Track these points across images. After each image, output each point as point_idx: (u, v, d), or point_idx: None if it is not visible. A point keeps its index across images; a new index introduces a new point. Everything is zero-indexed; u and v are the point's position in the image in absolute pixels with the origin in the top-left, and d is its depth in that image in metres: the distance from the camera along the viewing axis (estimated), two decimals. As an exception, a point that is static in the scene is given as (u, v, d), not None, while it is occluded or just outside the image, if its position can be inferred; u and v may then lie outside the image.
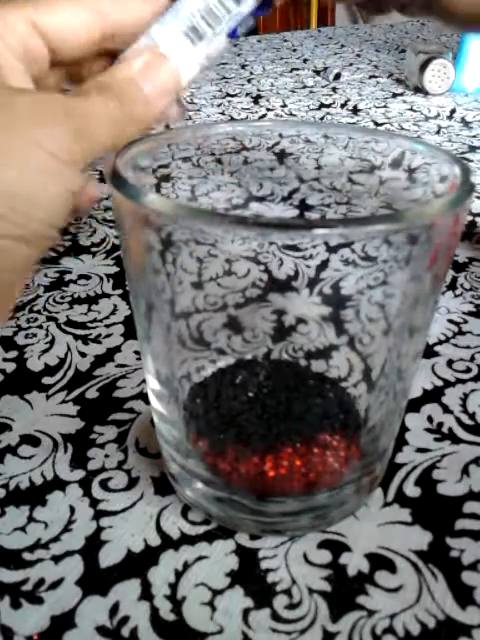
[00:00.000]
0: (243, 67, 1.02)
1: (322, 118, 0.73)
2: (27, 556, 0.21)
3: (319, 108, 0.77)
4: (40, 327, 0.34)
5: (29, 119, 0.17)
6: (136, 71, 0.19)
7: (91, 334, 0.33)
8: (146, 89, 0.19)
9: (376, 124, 0.70)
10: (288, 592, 0.20)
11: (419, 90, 0.83)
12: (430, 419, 0.27)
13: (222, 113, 0.75)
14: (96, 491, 0.24)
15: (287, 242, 0.17)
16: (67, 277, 0.39)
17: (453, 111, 0.75)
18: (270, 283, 0.21)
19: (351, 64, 1.02)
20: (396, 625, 0.19)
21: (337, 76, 0.91)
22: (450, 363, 0.30)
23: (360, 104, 0.78)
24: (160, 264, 0.19)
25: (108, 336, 0.33)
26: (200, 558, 0.21)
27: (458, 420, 0.27)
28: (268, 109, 0.77)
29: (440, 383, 0.29)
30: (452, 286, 0.37)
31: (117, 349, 0.32)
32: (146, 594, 0.20)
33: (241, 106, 0.78)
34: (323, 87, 0.88)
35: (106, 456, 0.25)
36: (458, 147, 0.62)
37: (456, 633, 0.19)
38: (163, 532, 0.22)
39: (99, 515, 0.23)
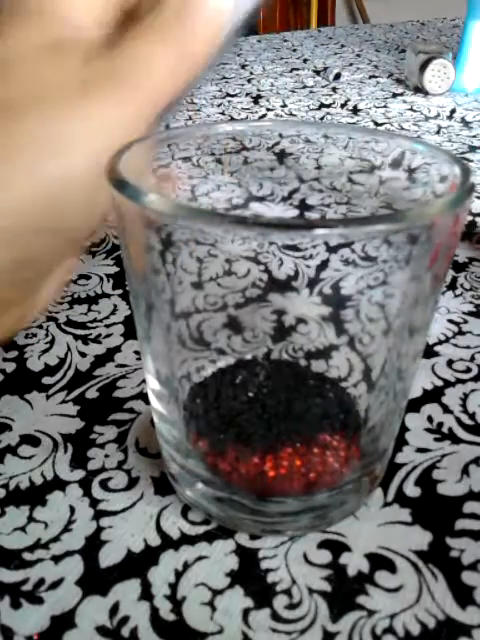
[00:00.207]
0: (243, 67, 1.02)
1: (322, 118, 0.73)
2: (27, 556, 0.21)
3: (319, 108, 0.77)
4: (40, 327, 0.34)
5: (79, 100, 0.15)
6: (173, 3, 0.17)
7: (91, 334, 0.33)
8: (189, 19, 0.17)
9: (376, 124, 0.70)
10: (288, 592, 0.20)
11: (419, 90, 0.83)
12: (430, 419, 0.27)
13: (222, 113, 0.75)
14: (96, 491, 0.24)
15: (287, 242, 0.17)
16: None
17: (453, 111, 0.75)
18: (270, 283, 0.21)
19: (351, 64, 1.02)
20: (396, 625, 0.19)
21: (337, 76, 0.91)
22: (450, 363, 0.31)
23: (360, 104, 0.78)
24: (160, 264, 0.19)
25: (108, 336, 0.33)
26: (200, 558, 0.21)
27: (458, 420, 0.27)
28: (268, 109, 0.77)
29: (440, 383, 0.29)
30: (452, 286, 0.37)
31: (117, 349, 0.32)
32: (146, 594, 0.20)
33: (241, 106, 0.78)
34: (323, 87, 0.88)
35: (106, 456, 0.25)
36: (458, 147, 0.62)
37: (456, 633, 0.19)
38: (163, 532, 0.22)
39: (99, 515, 0.23)
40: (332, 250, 0.18)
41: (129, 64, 0.16)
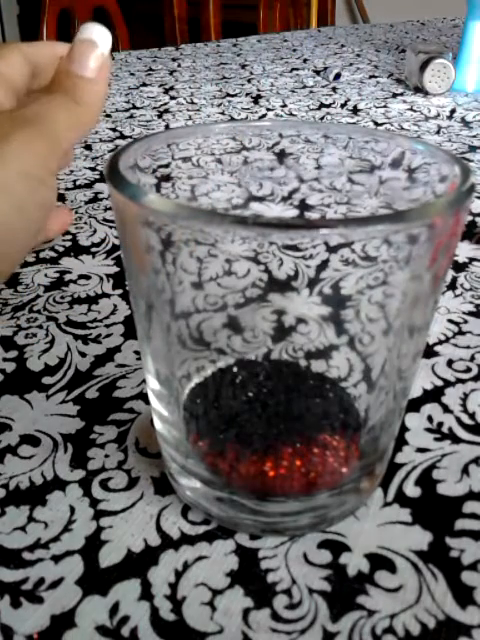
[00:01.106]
0: (243, 67, 1.02)
1: (322, 118, 0.73)
2: (27, 555, 0.21)
3: (319, 108, 0.77)
4: (40, 327, 0.34)
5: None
6: (68, 63, 0.21)
7: (91, 334, 0.33)
8: (83, 72, 0.21)
9: (376, 124, 0.70)
10: (288, 592, 0.20)
11: (419, 90, 0.83)
12: (430, 419, 0.27)
13: (222, 113, 0.75)
14: (96, 491, 0.24)
15: (287, 242, 0.17)
16: (67, 277, 0.39)
17: (453, 111, 0.75)
18: (270, 283, 0.21)
19: (351, 64, 1.02)
20: (396, 625, 0.19)
21: (337, 76, 0.91)
22: (450, 363, 0.31)
23: (360, 104, 0.78)
24: (160, 264, 0.19)
25: (108, 336, 0.33)
26: (200, 558, 0.21)
27: (458, 420, 0.27)
28: (268, 109, 0.77)
29: (440, 383, 0.29)
30: (452, 286, 0.37)
31: (117, 349, 0.32)
32: (146, 594, 0.20)
33: (241, 106, 0.78)
34: (323, 87, 0.88)
35: (106, 456, 0.25)
36: (458, 147, 0.62)
37: (456, 633, 0.19)
38: (163, 532, 0.22)
39: (99, 515, 0.23)
40: (332, 250, 0.18)
41: (35, 115, 0.19)
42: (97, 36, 0.21)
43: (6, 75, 0.22)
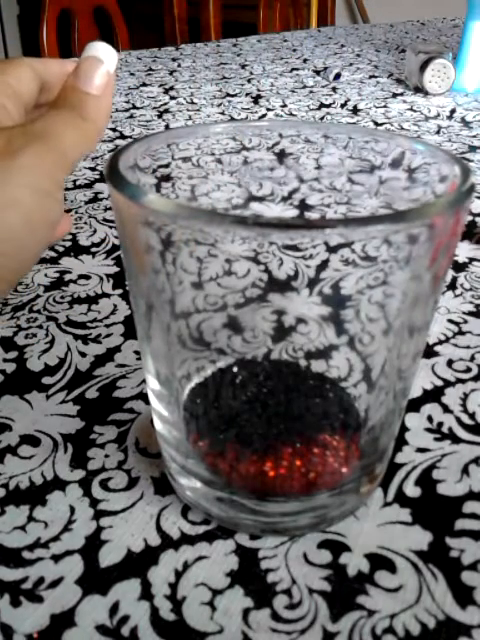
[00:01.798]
0: (243, 67, 1.02)
1: (322, 118, 0.73)
2: (27, 555, 0.21)
3: (319, 108, 0.77)
4: (40, 327, 0.34)
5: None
6: (74, 79, 0.22)
7: (91, 334, 0.33)
8: (89, 89, 0.21)
9: (376, 124, 0.70)
10: (288, 592, 0.20)
11: (419, 90, 0.83)
12: (430, 419, 0.27)
13: (222, 113, 0.75)
14: (96, 491, 0.24)
15: (287, 242, 0.17)
16: (67, 277, 0.39)
17: (453, 111, 0.75)
18: (270, 283, 0.21)
19: (351, 64, 1.02)
20: (396, 625, 0.19)
21: (337, 76, 0.91)
22: (450, 363, 0.31)
23: (360, 104, 0.78)
24: (160, 264, 0.19)
25: (108, 336, 0.33)
26: (200, 558, 0.21)
27: (458, 420, 0.27)
28: (268, 109, 0.77)
29: (440, 383, 0.29)
30: (452, 286, 0.37)
31: (117, 349, 0.32)
32: (146, 594, 0.20)
33: (241, 106, 0.78)
34: (323, 87, 0.88)
35: (106, 456, 0.25)
36: (458, 147, 0.62)
37: (456, 633, 0.19)
38: (163, 532, 0.22)
39: (99, 515, 0.23)
40: (332, 250, 0.18)
41: (43, 131, 0.20)
42: (103, 54, 0.22)
43: (16, 88, 0.22)
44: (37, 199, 0.19)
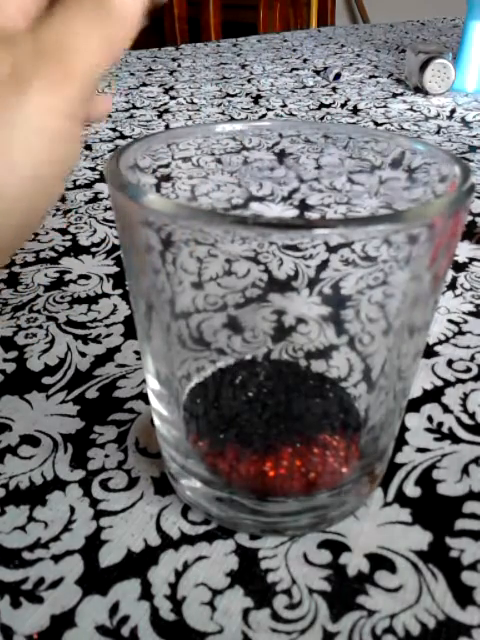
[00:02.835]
0: (243, 67, 1.02)
1: (322, 118, 0.73)
2: (27, 555, 0.21)
3: (319, 108, 0.77)
4: (40, 327, 0.34)
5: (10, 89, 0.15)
6: None
7: (91, 334, 0.33)
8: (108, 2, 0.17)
9: (376, 124, 0.70)
10: (288, 592, 0.20)
11: (419, 90, 0.83)
12: (430, 419, 0.27)
13: (222, 113, 0.75)
14: (96, 491, 0.24)
15: (287, 242, 0.17)
16: (67, 277, 0.39)
17: (453, 111, 0.75)
18: (270, 283, 0.21)
19: (351, 64, 1.02)
20: (396, 625, 0.19)
21: (337, 76, 0.91)
22: (450, 363, 0.31)
23: (360, 104, 0.78)
24: (160, 264, 0.19)
25: (108, 336, 0.33)
26: (200, 558, 0.21)
27: (458, 420, 0.27)
28: (268, 109, 0.77)
29: (440, 383, 0.29)
30: (452, 286, 0.37)
31: (117, 349, 0.32)
32: (146, 594, 0.20)
33: (241, 106, 0.78)
34: (323, 87, 0.88)
35: (106, 456, 0.25)
36: (458, 147, 0.62)
37: (456, 633, 0.19)
38: (163, 532, 0.22)
39: (99, 515, 0.23)
40: (332, 250, 0.18)
41: (58, 45, 0.16)
42: None
43: None
44: (50, 144, 0.16)
